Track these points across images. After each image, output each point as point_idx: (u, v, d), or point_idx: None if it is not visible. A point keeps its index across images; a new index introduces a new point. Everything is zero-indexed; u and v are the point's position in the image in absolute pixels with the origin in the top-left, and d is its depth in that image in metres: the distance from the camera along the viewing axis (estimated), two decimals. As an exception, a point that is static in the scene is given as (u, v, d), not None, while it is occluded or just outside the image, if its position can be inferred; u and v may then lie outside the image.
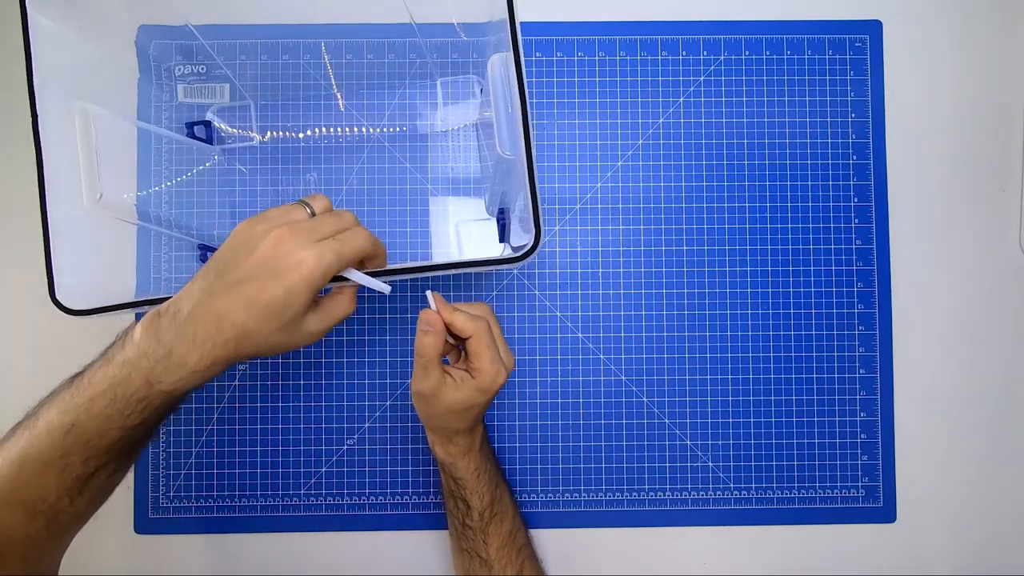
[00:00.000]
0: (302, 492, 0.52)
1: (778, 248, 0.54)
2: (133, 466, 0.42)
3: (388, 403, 0.53)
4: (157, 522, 0.52)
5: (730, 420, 0.53)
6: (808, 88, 0.54)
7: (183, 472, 0.52)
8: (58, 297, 0.39)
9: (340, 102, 0.52)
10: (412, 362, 0.42)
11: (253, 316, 0.33)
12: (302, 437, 0.52)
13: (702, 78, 0.54)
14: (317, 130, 0.53)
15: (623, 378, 0.53)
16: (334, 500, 0.52)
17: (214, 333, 0.33)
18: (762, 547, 0.53)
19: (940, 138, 0.55)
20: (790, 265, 0.54)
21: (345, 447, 0.53)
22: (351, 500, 0.52)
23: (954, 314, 0.54)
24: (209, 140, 0.53)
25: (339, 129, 0.53)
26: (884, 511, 0.53)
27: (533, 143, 0.36)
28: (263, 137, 0.53)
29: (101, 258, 0.46)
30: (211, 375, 0.34)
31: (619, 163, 0.54)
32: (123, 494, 0.52)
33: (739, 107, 0.54)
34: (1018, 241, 0.54)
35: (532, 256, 0.37)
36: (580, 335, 0.53)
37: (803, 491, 0.53)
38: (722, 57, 0.54)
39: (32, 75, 0.38)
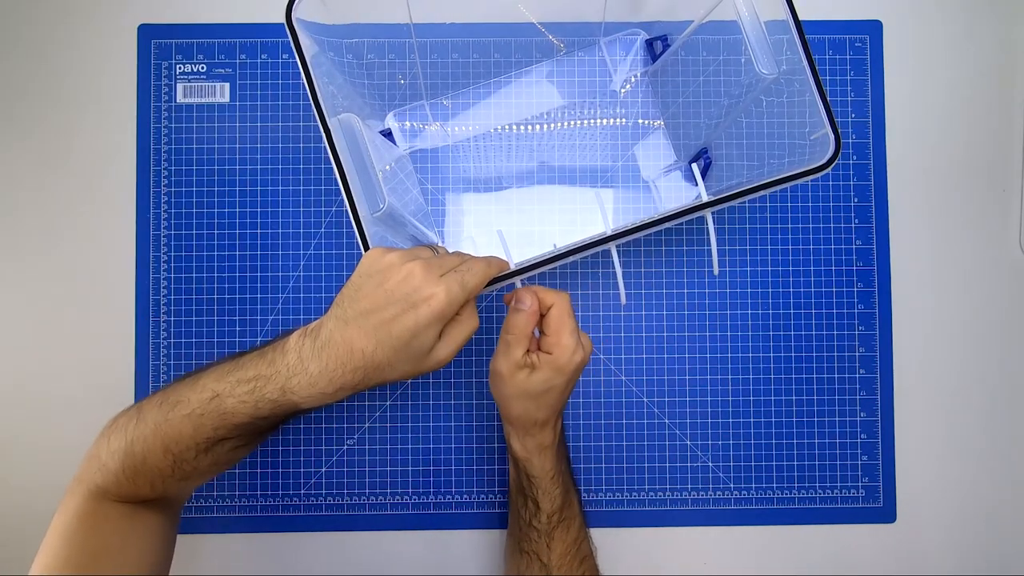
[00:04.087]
0: (302, 492, 0.52)
1: (778, 248, 0.54)
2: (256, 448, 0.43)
3: (388, 403, 0.53)
4: (157, 522, 0.52)
5: (730, 420, 0.53)
6: (808, 88, 0.54)
7: (183, 472, 0.52)
8: None
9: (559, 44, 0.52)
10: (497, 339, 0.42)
11: (383, 347, 0.34)
12: (302, 437, 0.52)
13: (701, 78, 0.54)
14: (501, 126, 0.53)
15: (623, 378, 0.53)
16: (334, 500, 0.52)
17: (345, 360, 0.34)
18: (762, 547, 0.53)
19: (940, 138, 0.55)
20: (790, 265, 0.54)
21: (345, 447, 0.53)
22: (351, 500, 0.52)
23: (954, 314, 0.54)
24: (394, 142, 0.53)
25: (515, 125, 0.53)
26: (884, 511, 0.53)
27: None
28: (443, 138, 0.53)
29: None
30: (337, 399, 0.36)
31: (620, 163, 0.54)
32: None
33: (739, 107, 0.54)
34: (1018, 241, 0.54)
35: (835, 163, 0.38)
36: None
37: (803, 491, 0.53)
38: (721, 57, 0.54)
39: (316, 93, 0.38)
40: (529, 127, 0.53)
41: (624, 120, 0.53)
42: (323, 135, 0.38)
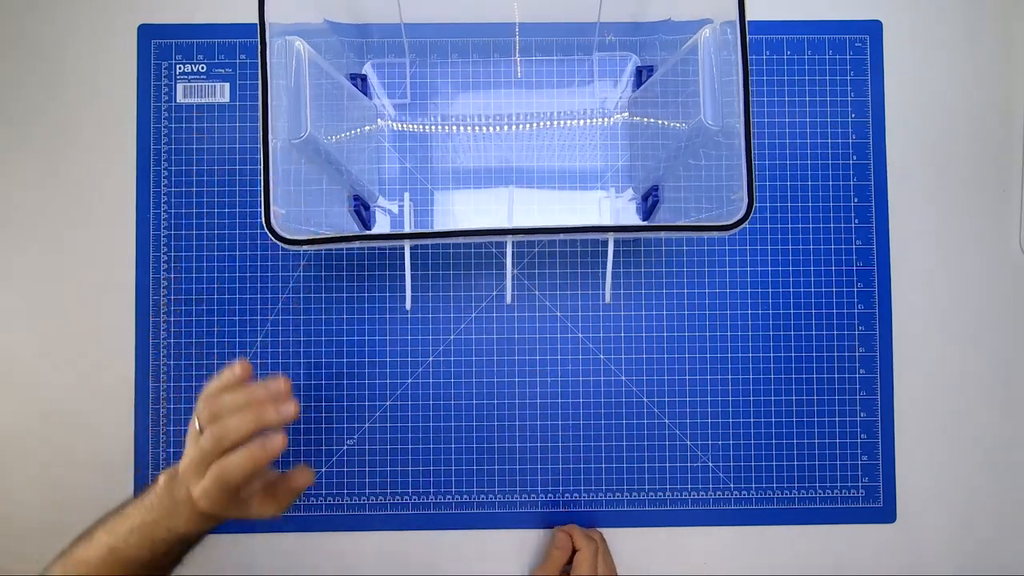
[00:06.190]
0: (302, 492, 0.52)
1: (778, 248, 0.54)
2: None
3: (388, 403, 0.53)
4: (157, 522, 0.52)
5: (730, 420, 0.53)
6: (808, 88, 0.54)
7: (183, 472, 0.52)
8: (273, 226, 0.39)
9: (517, 68, 0.52)
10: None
11: (207, 509, 0.39)
12: (302, 437, 0.52)
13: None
14: (471, 125, 0.54)
15: (623, 378, 0.53)
16: (334, 500, 0.52)
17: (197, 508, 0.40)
18: (762, 547, 0.53)
19: (940, 138, 0.55)
20: (790, 265, 0.54)
21: (345, 447, 0.53)
22: (351, 500, 0.52)
23: (954, 314, 0.54)
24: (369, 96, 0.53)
25: (489, 125, 0.54)
26: (884, 511, 0.53)
27: (751, 110, 0.38)
28: (419, 126, 0.53)
29: (299, 193, 0.45)
30: (216, 524, 0.41)
31: (619, 163, 0.54)
32: (123, 494, 0.52)
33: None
34: (1018, 241, 0.54)
35: (744, 224, 0.38)
36: (580, 335, 0.53)
37: (803, 491, 0.53)
38: (721, 57, 0.54)
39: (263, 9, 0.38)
40: (505, 127, 0.53)
41: (604, 141, 0.53)
42: (259, 49, 0.38)
